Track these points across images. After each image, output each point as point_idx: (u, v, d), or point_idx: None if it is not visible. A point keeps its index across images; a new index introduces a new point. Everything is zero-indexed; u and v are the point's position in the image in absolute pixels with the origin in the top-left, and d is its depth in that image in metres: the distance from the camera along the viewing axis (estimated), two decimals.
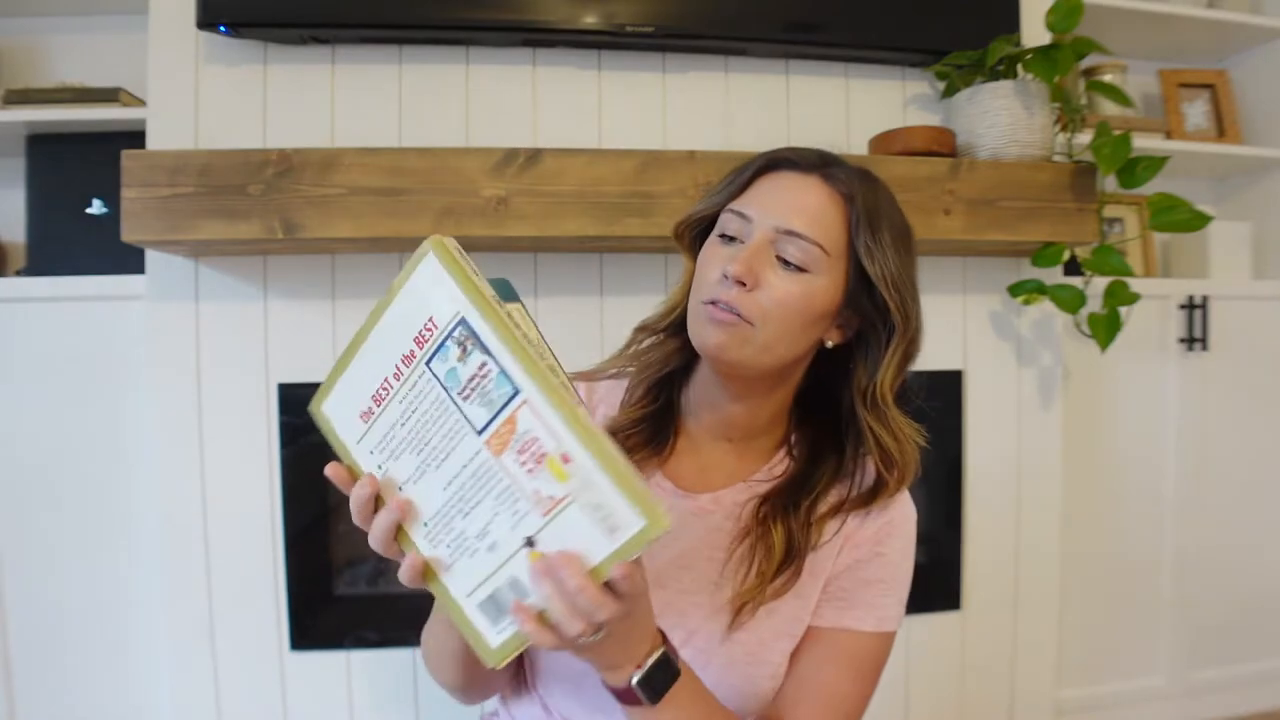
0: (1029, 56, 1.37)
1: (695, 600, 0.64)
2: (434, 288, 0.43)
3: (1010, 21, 1.48)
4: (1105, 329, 1.44)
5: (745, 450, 0.69)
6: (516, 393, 0.42)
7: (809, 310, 0.61)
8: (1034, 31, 1.49)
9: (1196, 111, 1.94)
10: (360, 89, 1.39)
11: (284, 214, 1.19)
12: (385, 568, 1.49)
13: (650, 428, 0.68)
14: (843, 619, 0.65)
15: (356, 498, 0.48)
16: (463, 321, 0.43)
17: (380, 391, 0.46)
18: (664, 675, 0.51)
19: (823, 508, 0.65)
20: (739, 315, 0.60)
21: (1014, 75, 1.43)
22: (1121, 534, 1.74)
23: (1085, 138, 1.43)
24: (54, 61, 1.59)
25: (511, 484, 0.43)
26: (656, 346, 0.70)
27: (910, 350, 0.67)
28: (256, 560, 1.36)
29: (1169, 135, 1.87)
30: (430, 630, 0.66)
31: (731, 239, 0.63)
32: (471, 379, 0.43)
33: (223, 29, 1.29)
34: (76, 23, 1.59)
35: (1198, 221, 1.39)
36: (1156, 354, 1.74)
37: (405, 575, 0.48)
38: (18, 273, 1.54)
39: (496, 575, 0.45)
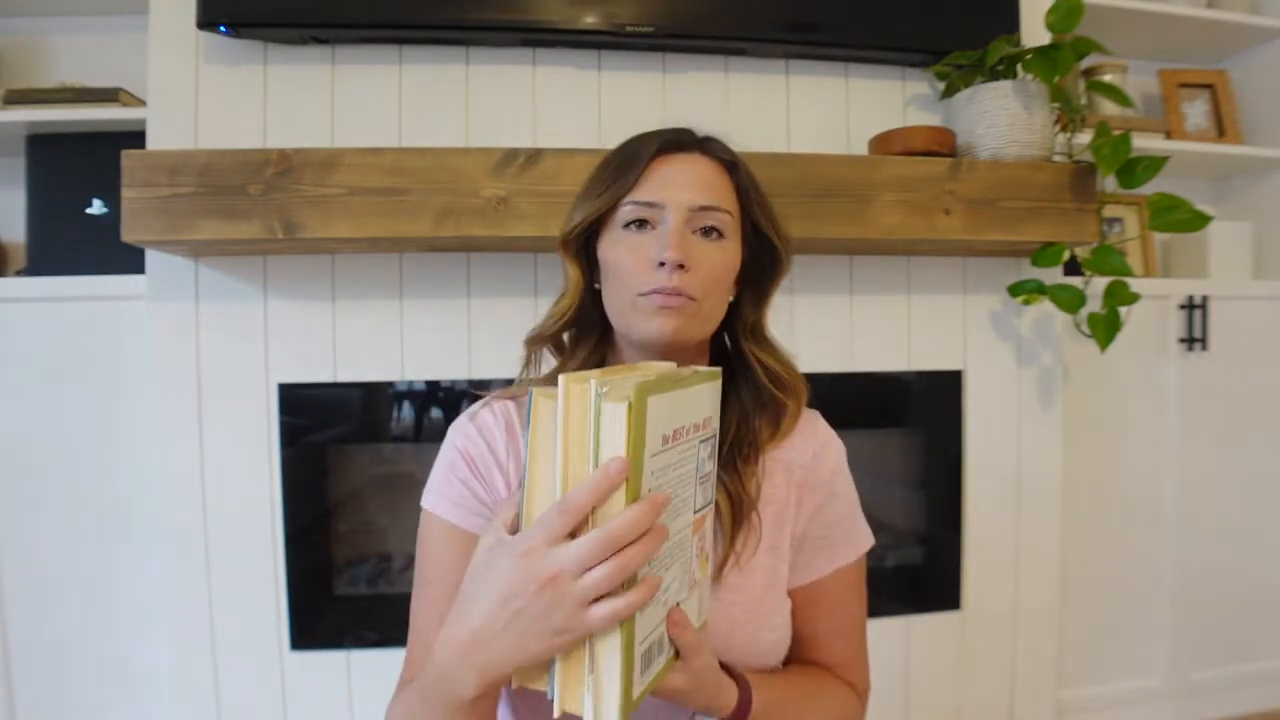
0: (1029, 56, 1.37)
1: None
2: (709, 402, 0.56)
3: (1010, 21, 1.49)
4: (1105, 329, 1.44)
5: None
6: (712, 500, 0.58)
7: (730, 273, 0.68)
8: (1034, 31, 1.50)
9: (1196, 111, 1.94)
10: (360, 89, 1.39)
11: (284, 214, 1.19)
12: (386, 567, 1.49)
13: None
14: (834, 561, 0.72)
15: (644, 518, 0.43)
16: (714, 435, 0.57)
17: (676, 433, 0.50)
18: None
19: (746, 451, 0.69)
20: (683, 294, 0.63)
21: (1014, 75, 1.43)
22: (1121, 534, 1.74)
23: (1085, 138, 1.43)
24: (54, 61, 1.60)
25: (688, 560, 0.54)
26: (567, 360, 0.71)
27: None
28: (256, 560, 1.36)
29: (1169, 135, 1.87)
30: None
31: (642, 225, 0.65)
32: (705, 474, 0.56)
33: (223, 29, 1.29)
34: (76, 23, 1.59)
35: (1198, 221, 1.39)
36: (1156, 354, 1.74)
37: (648, 592, 0.45)
38: (18, 273, 1.54)
39: (657, 629, 0.51)
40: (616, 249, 0.66)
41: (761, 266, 0.71)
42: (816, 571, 0.71)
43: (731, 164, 0.69)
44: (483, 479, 0.68)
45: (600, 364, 0.71)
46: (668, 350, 0.66)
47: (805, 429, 0.74)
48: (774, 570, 0.69)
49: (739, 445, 0.69)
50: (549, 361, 0.74)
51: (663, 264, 0.62)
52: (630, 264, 0.64)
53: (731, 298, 0.71)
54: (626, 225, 0.66)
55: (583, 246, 0.69)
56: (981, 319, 1.57)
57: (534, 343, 0.71)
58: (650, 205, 0.65)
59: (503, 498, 0.67)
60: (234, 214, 1.19)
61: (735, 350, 0.72)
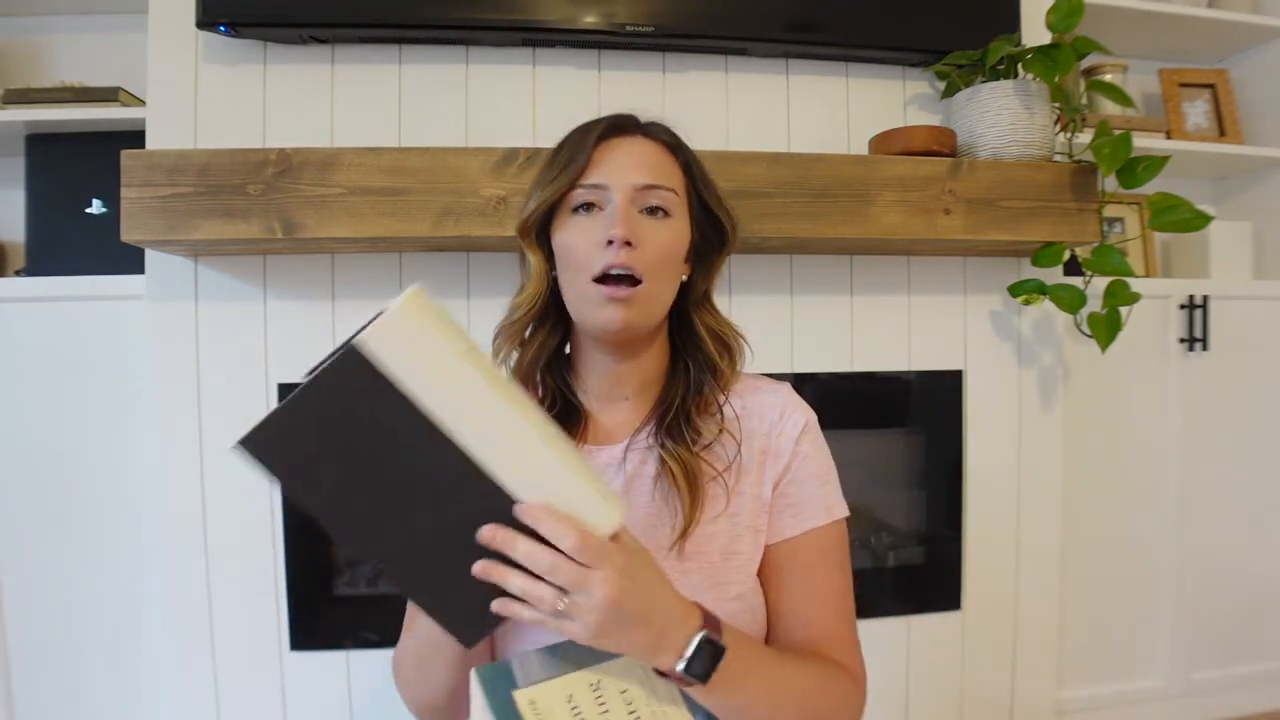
0: (1029, 56, 1.37)
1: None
2: None
3: (1010, 21, 1.48)
4: (1105, 329, 1.44)
5: (641, 400, 0.74)
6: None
7: (679, 251, 0.70)
8: (1034, 31, 1.49)
9: (1197, 111, 1.94)
10: (360, 89, 1.39)
11: (283, 214, 1.19)
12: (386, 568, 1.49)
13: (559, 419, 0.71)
14: (801, 523, 0.70)
15: None
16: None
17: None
18: (707, 658, 0.53)
19: (695, 417, 0.70)
20: (632, 274, 0.65)
21: (1014, 75, 1.42)
22: (1121, 534, 1.74)
23: (1085, 138, 1.42)
24: (54, 61, 1.60)
25: None
26: (528, 344, 0.73)
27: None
28: (256, 560, 1.36)
29: (1169, 135, 1.87)
30: (417, 653, 0.65)
31: (589, 208, 0.68)
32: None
33: (222, 29, 1.29)
34: (76, 23, 1.59)
35: (1198, 221, 1.39)
36: (1157, 354, 1.74)
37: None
38: (18, 273, 1.54)
39: None
40: (568, 233, 0.68)
41: (710, 243, 0.74)
42: (784, 532, 0.70)
43: (674, 145, 0.72)
44: None
45: (559, 346, 0.74)
46: (621, 338, 0.69)
47: (769, 399, 0.74)
48: (734, 538, 0.69)
49: (685, 414, 0.70)
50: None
51: (610, 242, 0.64)
52: (580, 245, 0.67)
53: (685, 277, 0.73)
54: (575, 210, 0.68)
55: (542, 235, 0.71)
56: (982, 319, 1.57)
57: (503, 335, 0.73)
58: (596, 187, 0.67)
59: None
60: (234, 214, 1.19)
61: (684, 321, 0.74)
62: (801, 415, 0.74)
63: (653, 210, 0.68)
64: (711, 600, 0.61)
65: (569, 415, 0.72)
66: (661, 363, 0.74)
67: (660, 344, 0.74)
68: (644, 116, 0.73)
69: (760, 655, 0.60)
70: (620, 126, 0.70)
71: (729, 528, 0.69)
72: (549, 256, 0.71)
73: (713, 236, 0.74)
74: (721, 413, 0.71)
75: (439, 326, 0.44)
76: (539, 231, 0.71)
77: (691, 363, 0.73)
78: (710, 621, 0.55)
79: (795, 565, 0.70)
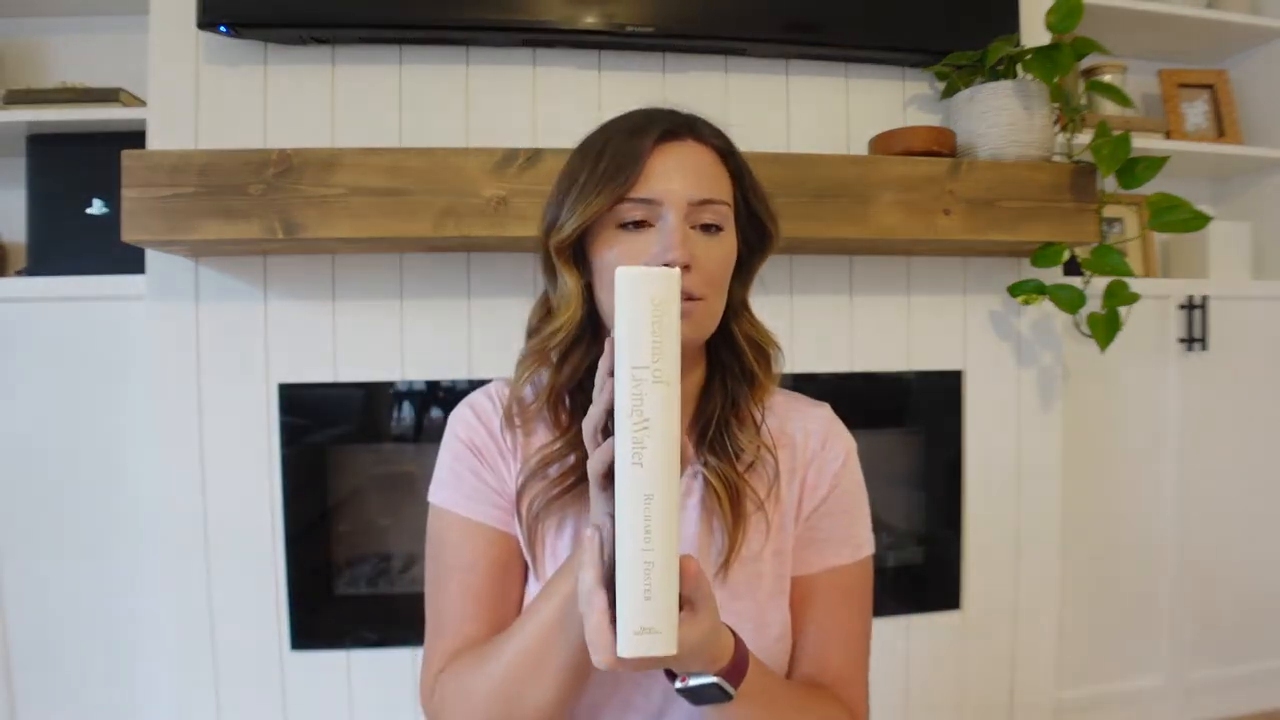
0: (1029, 57, 1.37)
1: None
2: None
3: (1010, 21, 1.49)
4: (1105, 329, 1.44)
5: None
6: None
7: (731, 265, 0.66)
8: (1034, 31, 1.50)
9: (1196, 111, 1.94)
10: (360, 89, 1.39)
11: (284, 214, 1.19)
12: (386, 567, 1.49)
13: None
14: (826, 559, 0.69)
15: None
16: None
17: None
18: (708, 695, 0.52)
19: (736, 431, 0.67)
20: (692, 297, 0.61)
21: (1014, 75, 1.43)
22: (1121, 534, 1.74)
23: (1085, 138, 1.43)
24: (54, 61, 1.60)
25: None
26: (560, 366, 0.67)
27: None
28: (256, 560, 1.36)
29: (1169, 135, 1.87)
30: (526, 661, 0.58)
31: (638, 225, 0.62)
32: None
33: (223, 29, 1.29)
34: (76, 23, 1.59)
35: (1197, 222, 1.39)
36: (1156, 354, 1.74)
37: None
38: (18, 273, 1.54)
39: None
40: (614, 251, 0.61)
41: (751, 247, 0.69)
42: (808, 566, 0.68)
43: (726, 150, 0.66)
44: (490, 467, 0.68)
45: (591, 369, 0.65)
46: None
47: (811, 426, 0.72)
48: (779, 576, 0.67)
49: (725, 427, 0.67)
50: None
51: (670, 265, 0.59)
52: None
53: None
54: (622, 224, 0.62)
55: (577, 248, 0.65)
56: (981, 319, 1.57)
57: (534, 358, 0.67)
58: (648, 203, 0.61)
59: (509, 484, 0.67)
60: (234, 214, 1.19)
61: (723, 331, 0.68)
62: (842, 446, 0.72)
63: (705, 226, 0.62)
64: (754, 645, 0.60)
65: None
66: (700, 376, 0.70)
67: (700, 357, 0.69)
68: (681, 109, 0.68)
69: (770, 698, 0.58)
70: (671, 130, 0.64)
71: (774, 566, 0.67)
72: (581, 269, 0.65)
73: (754, 241, 0.69)
74: (758, 430, 0.68)
75: (643, 321, 0.46)
76: (574, 249, 0.65)
77: (728, 374, 0.69)
78: (737, 665, 0.53)
79: (815, 602, 0.68)
